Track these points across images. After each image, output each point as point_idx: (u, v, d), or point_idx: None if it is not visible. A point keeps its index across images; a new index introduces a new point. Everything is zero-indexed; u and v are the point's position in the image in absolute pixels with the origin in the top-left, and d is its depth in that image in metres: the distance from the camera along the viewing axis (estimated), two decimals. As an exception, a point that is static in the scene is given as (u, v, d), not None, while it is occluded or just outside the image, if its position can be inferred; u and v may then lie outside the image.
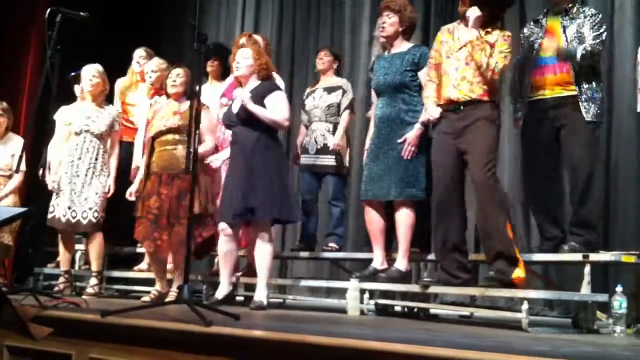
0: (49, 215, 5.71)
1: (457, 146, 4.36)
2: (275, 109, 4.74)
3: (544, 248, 4.61)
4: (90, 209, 5.68)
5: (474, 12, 4.38)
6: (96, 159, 5.77)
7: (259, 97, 4.73)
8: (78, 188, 5.70)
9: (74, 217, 5.67)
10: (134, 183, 5.42)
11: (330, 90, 5.83)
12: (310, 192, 5.84)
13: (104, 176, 5.79)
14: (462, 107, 4.36)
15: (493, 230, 4.20)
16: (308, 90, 6.07)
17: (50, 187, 5.73)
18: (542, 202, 4.67)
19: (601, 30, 4.53)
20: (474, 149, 4.28)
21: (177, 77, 5.17)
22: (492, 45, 4.32)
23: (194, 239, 4.87)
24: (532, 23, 4.84)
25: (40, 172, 5.90)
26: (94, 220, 5.68)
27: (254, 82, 4.86)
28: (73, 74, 6.16)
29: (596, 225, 4.49)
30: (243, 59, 4.86)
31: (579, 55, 4.42)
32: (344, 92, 5.82)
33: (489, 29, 4.40)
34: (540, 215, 4.73)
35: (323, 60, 5.97)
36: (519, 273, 4.10)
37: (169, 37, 8.74)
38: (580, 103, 4.46)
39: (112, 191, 5.78)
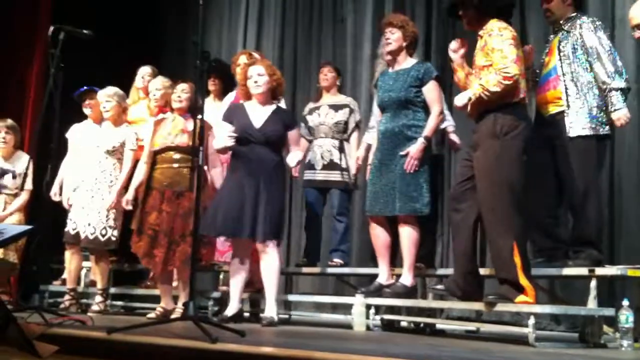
0: (65, 229, 5.74)
1: (472, 160, 4.26)
2: (298, 144, 5.05)
3: (539, 260, 4.58)
4: (94, 225, 5.67)
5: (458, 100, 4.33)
6: (103, 176, 5.75)
7: (280, 124, 4.85)
8: (86, 204, 5.71)
9: (83, 233, 5.68)
10: (129, 191, 5.38)
11: (337, 108, 5.86)
12: (315, 208, 5.84)
13: (109, 193, 5.74)
14: (475, 121, 4.30)
15: (496, 256, 4.10)
16: (311, 105, 6.06)
17: (66, 206, 5.76)
18: (532, 213, 4.64)
19: (611, 50, 4.46)
20: (477, 169, 4.18)
21: (182, 92, 5.17)
22: (483, 49, 4.21)
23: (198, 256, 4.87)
24: (546, 43, 4.84)
25: (54, 192, 5.93)
26: (100, 238, 5.67)
27: (269, 104, 4.93)
28: (79, 91, 6.17)
29: (595, 242, 4.39)
30: (259, 77, 4.89)
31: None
32: (352, 111, 5.86)
33: (480, 33, 4.30)
34: (532, 228, 4.71)
35: (327, 76, 5.98)
36: (523, 299, 3.96)
37: (171, 53, 8.78)
38: (565, 118, 4.43)
39: (110, 204, 5.67)
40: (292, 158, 4.86)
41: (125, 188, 5.73)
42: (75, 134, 6.01)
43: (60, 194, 5.97)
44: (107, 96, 5.86)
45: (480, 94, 4.14)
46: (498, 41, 4.13)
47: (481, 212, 4.17)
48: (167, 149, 5.08)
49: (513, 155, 4.12)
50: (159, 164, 5.10)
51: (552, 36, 4.75)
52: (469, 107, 4.28)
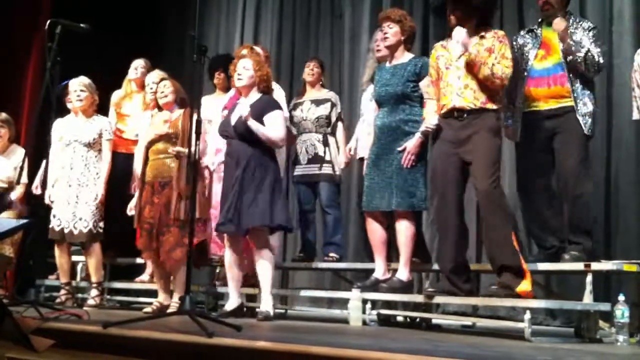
0: (50, 226, 5.71)
1: (459, 155, 4.32)
2: (273, 127, 4.76)
3: (541, 258, 4.60)
4: (85, 219, 5.65)
5: (459, 32, 4.33)
6: (87, 169, 5.75)
7: (258, 112, 4.75)
8: (72, 199, 5.68)
9: (67, 228, 5.65)
10: (134, 198, 5.40)
11: (318, 102, 5.88)
12: (307, 203, 5.86)
13: (96, 185, 5.75)
14: (465, 115, 4.31)
15: (500, 241, 4.15)
16: (295, 101, 6.07)
17: (46, 201, 5.73)
18: (537, 212, 4.66)
19: (600, 43, 4.54)
20: (479, 160, 4.23)
21: (164, 87, 5.22)
22: (490, 50, 4.28)
23: (184, 246, 4.82)
24: (526, 32, 4.82)
25: (35, 185, 5.93)
26: (93, 230, 5.67)
27: (254, 95, 4.88)
28: (61, 85, 6.13)
29: (590, 230, 4.51)
30: (244, 70, 4.89)
31: (581, 57, 4.42)
32: (333, 105, 5.89)
33: (483, 34, 4.36)
34: (535, 226, 4.72)
35: (313, 71, 6.01)
36: (524, 286, 4.03)
37: (169, 48, 8.74)
38: (578, 116, 4.46)
39: (100, 197, 5.70)
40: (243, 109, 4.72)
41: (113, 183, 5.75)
42: (58, 128, 5.97)
43: (43, 189, 5.93)
44: (82, 85, 5.85)
45: (488, 70, 4.21)
46: (508, 52, 4.31)
47: (481, 203, 4.26)
48: (152, 142, 5.13)
49: (501, 151, 4.42)
50: (150, 158, 5.14)
51: (539, 27, 4.74)
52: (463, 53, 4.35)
